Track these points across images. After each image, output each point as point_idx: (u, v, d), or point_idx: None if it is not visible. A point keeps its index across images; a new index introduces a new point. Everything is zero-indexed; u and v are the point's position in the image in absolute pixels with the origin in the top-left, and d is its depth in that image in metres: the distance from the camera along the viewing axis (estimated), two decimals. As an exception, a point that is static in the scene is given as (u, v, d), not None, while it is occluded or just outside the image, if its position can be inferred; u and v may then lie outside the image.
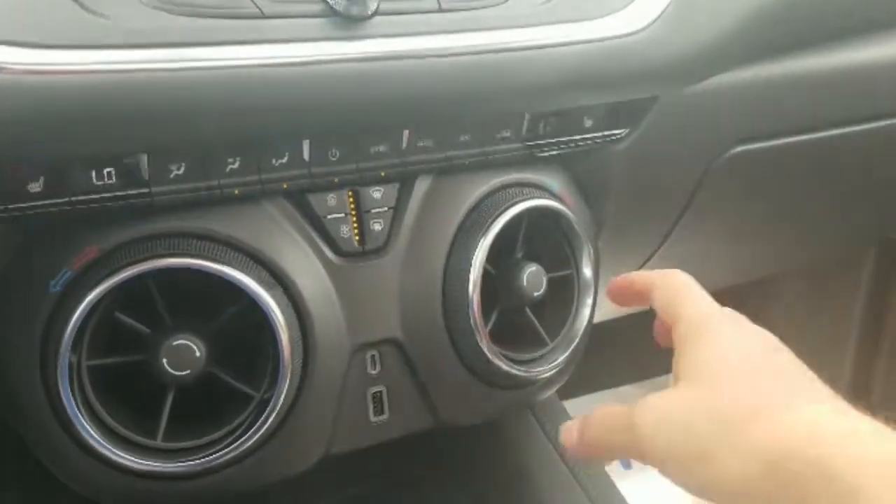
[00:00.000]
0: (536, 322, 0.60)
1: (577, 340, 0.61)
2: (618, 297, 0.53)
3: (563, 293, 0.62)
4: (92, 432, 0.48)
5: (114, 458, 0.48)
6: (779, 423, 0.40)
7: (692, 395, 0.43)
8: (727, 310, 0.47)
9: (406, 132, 0.53)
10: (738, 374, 0.43)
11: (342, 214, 0.54)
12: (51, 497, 0.55)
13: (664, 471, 0.44)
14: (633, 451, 0.44)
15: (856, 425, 0.39)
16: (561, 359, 0.60)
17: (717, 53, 0.62)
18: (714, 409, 0.41)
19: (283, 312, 0.50)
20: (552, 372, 0.60)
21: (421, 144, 0.55)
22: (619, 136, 0.62)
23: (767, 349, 0.44)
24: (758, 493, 0.40)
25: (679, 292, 0.49)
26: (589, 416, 0.48)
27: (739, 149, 0.71)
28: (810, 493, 0.38)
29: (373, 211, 0.55)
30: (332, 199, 0.54)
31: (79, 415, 0.47)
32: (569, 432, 0.48)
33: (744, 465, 0.40)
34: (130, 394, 0.52)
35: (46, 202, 0.45)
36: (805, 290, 1.23)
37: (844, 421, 0.39)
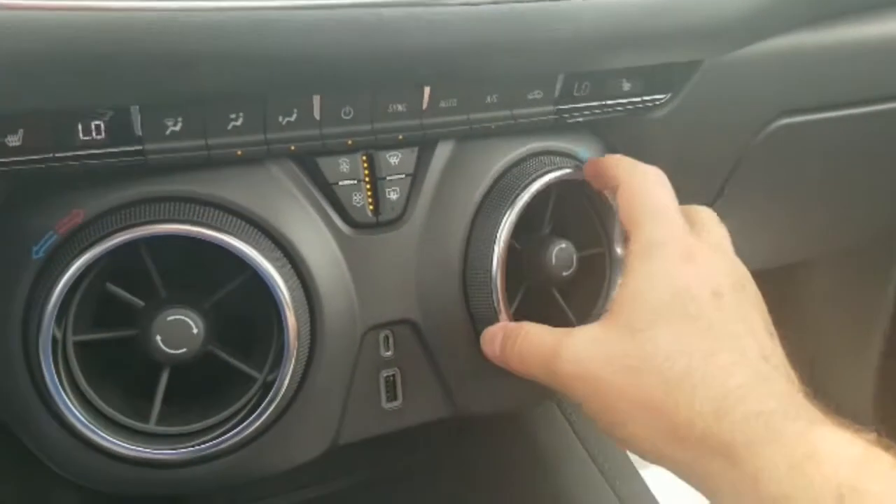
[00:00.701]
0: (564, 304, 0.55)
1: (608, 323, 0.56)
2: (591, 178, 0.52)
3: (593, 272, 0.57)
4: (77, 414, 0.44)
5: (102, 442, 0.44)
6: (689, 393, 0.39)
7: (614, 339, 0.42)
8: (690, 239, 0.45)
9: (427, 89, 0.49)
10: (665, 322, 0.42)
11: (355, 181, 0.50)
12: (46, 483, 0.51)
13: (584, 414, 0.44)
14: (552, 385, 0.45)
15: (765, 405, 0.38)
16: None
17: (767, 15, 0.57)
18: (629, 365, 0.41)
19: (288, 287, 0.46)
20: (580, 358, 0.55)
21: (443, 104, 0.50)
22: (658, 102, 0.57)
23: (713, 292, 0.43)
24: (668, 461, 0.41)
25: (643, 201, 0.47)
26: (515, 329, 0.48)
27: (783, 121, 0.66)
28: (712, 472, 0.39)
29: (388, 178, 0.50)
30: (344, 163, 0.49)
31: (63, 394, 0.43)
32: (491, 340, 0.49)
33: (651, 433, 0.40)
34: (123, 373, 0.48)
35: (26, 158, 0.41)
36: (837, 275, 1.19)
37: (755, 397, 0.39)
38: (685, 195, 0.68)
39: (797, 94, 0.66)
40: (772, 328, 0.45)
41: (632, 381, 0.41)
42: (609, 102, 0.55)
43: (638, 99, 0.56)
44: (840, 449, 0.36)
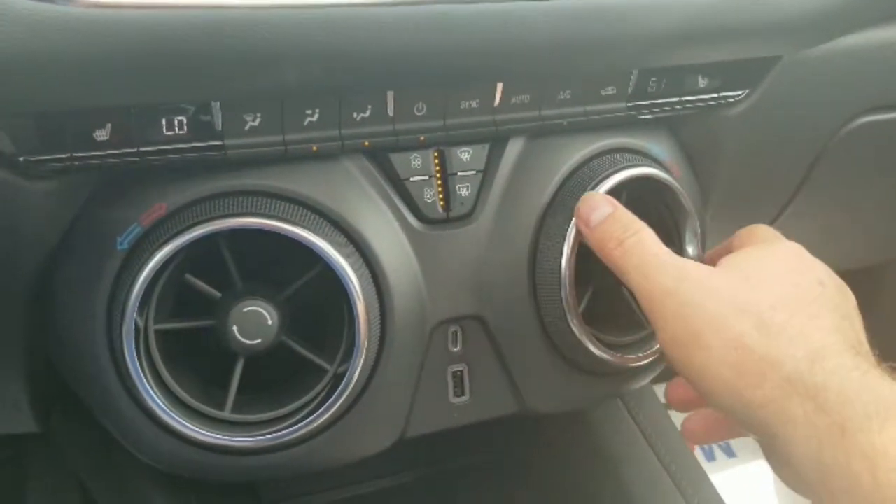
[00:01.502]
0: (634, 303, 0.54)
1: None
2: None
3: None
4: (157, 400, 0.45)
5: (180, 427, 0.46)
6: (786, 339, 0.40)
7: (724, 283, 0.43)
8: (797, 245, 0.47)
9: (500, 86, 0.49)
10: (777, 283, 0.43)
11: (426, 177, 0.50)
12: (125, 465, 0.53)
13: (656, 328, 0.44)
14: (638, 292, 0.45)
15: (859, 363, 0.39)
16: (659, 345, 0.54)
17: (850, 10, 0.55)
18: (734, 302, 0.42)
19: (360, 281, 0.46)
20: (648, 359, 0.55)
21: (515, 101, 0.50)
22: (735, 99, 0.55)
23: (819, 281, 0.44)
24: (743, 405, 0.40)
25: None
26: (630, 220, 0.47)
27: (866, 119, 0.64)
28: (794, 416, 0.38)
29: (459, 174, 0.50)
30: (416, 159, 0.49)
31: (144, 381, 0.45)
32: (592, 208, 0.48)
33: (734, 374, 0.40)
34: (198, 362, 0.49)
35: (113, 152, 0.42)
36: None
37: (850, 356, 0.39)
38: (762, 193, 0.66)
39: (881, 90, 0.64)
40: (864, 333, 0.44)
41: (729, 319, 0.41)
42: (683, 99, 0.54)
43: (714, 95, 0.55)
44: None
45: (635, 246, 0.46)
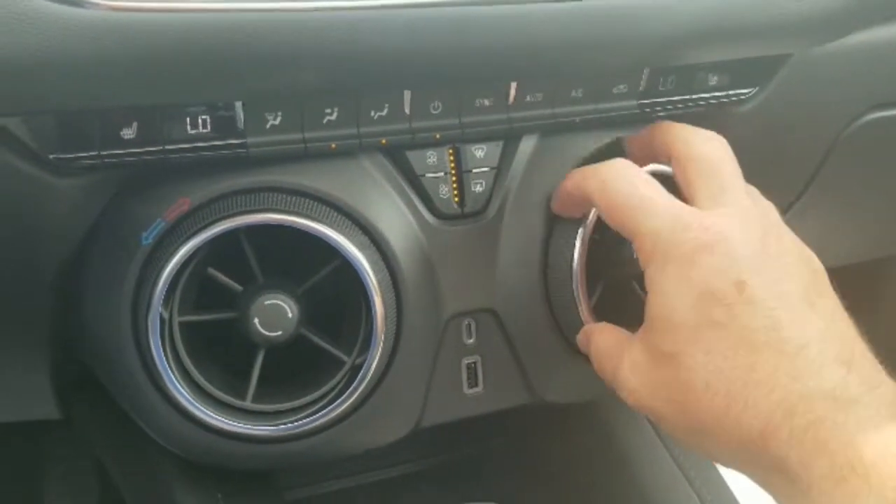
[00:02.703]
0: (644, 296, 0.55)
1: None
2: (562, 209, 0.50)
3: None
4: (182, 390, 0.46)
5: (203, 416, 0.47)
6: (736, 420, 0.38)
7: (653, 366, 0.41)
8: (697, 220, 0.41)
9: (514, 84, 0.50)
10: (694, 340, 0.39)
11: (442, 173, 0.51)
12: (149, 453, 0.54)
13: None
14: (617, 391, 0.45)
15: (812, 413, 0.37)
16: None
17: (860, 8, 0.56)
18: (673, 398, 0.40)
19: (377, 275, 0.48)
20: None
21: (529, 99, 0.51)
22: (745, 97, 0.56)
23: (736, 282, 0.39)
24: (741, 472, 0.40)
25: (627, 202, 0.43)
26: (596, 333, 0.47)
27: (874, 115, 0.65)
28: (775, 485, 0.38)
29: (474, 170, 0.52)
30: (431, 156, 0.51)
31: (169, 372, 0.46)
32: (584, 336, 0.49)
33: (716, 452, 0.40)
34: (219, 352, 0.51)
35: (140, 150, 0.43)
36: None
37: (801, 407, 0.37)
38: (770, 188, 0.67)
39: (889, 87, 0.64)
40: (821, 283, 0.42)
41: (680, 413, 0.40)
42: (694, 97, 0.55)
43: (724, 93, 0.56)
44: (888, 454, 0.35)
45: (598, 350, 0.47)
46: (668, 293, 0.40)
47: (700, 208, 0.42)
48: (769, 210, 0.45)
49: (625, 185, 0.43)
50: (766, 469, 0.38)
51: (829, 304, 0.41)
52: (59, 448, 0.89)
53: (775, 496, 0.39)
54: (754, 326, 0.39)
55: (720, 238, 0.40)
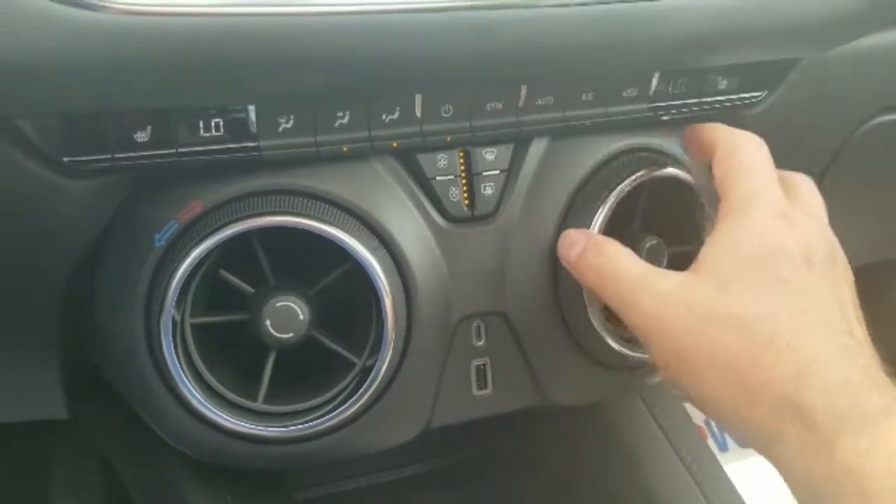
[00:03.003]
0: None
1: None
2: (688, 142, 0.51)
3: (683, 269, 0.57)
4: (193, 391, 0.47)
5: (214, 417, 0.47)
6: (773, 355, 0.39)
7: (701, 288, 0.41)
8: (786, 200, 0.44)
9: (525, 88, 0.50)
10: (754, 279, 0.41)
11: (452, 176, 0.51)
12: (160, 454, 0.54)
13: (647, 350, 0.44)
14: (621, 315, 0.45)
15: (850, 375, 0.38)
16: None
17: (870, 12, 0.56)
18: (712, 318, 0.40)
19: (387, 277, 0.48)
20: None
21: (540, 102, 0.51)
22: (754, 100, 0.56)
23: (805, 258, 0.42)
24: (738, 422, 0.40)
25: (740, 159, 0.46)
26: (602, 244, 0.47)
27: (883, 118, 0.65)
28: (786, 435, 0.38)
29: (484, 173, 0.52)
30: (442, 159, 0.51)
31: (181, 373, 0.46)
32: (571, 245, 0.48)
33: (724, 393, 0.40)
34: (230, 354, 0.51)
35: (153, 153, 0.44)
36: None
37: (839, 365, 0.38)
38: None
39: (896, 90, 0.65)
40: (858, 309, 0.43)
41: (712, 336, 0.40)
42: (704, 100, 0.55)
43: (734, 96, 0.56)
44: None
45: (606, 266, 0.46)
46: (741, 231, 0.42)
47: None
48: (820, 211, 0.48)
49: (752, 150, 0.46)
50: (782, 415, 0.38)
51: (858, 314, 0.44)
52: (64, 448, 0.89)
53: (779, 449, 0.39)
54: (810, 294, 0.41)
55: (801, 217, 0.44)
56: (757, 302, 0.40)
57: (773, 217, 0.43)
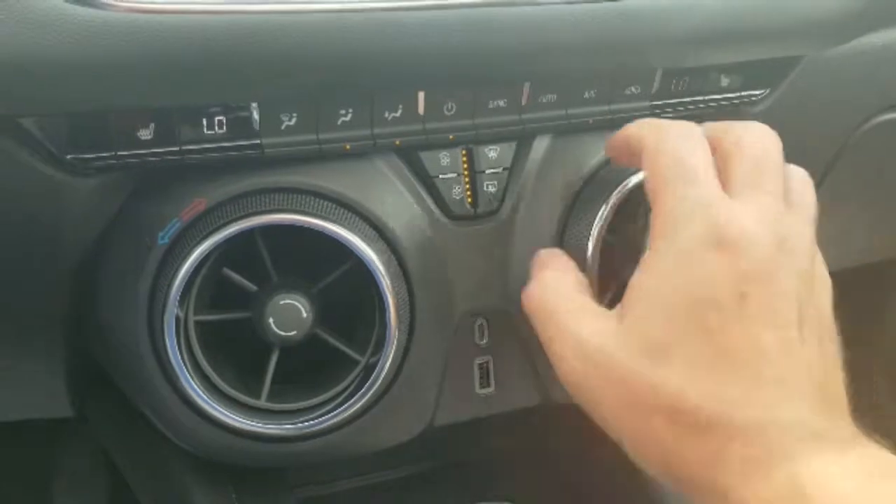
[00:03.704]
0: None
1: (699, 319, 0.56)
2: (613, 151, 0.47)
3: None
4: (197, 388, 0.47)
5: (218, 415, 0.47)
6: (694, 438, 0.35)
7: (622, 360, 0.37)
8: (726, 208, 0.37)
9: (527, 86, 0.50)
10: (680, 342, 0.36)
11: (455, 174, 0.51)
12: (164, 452, 0.54)
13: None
14: (544, 348, 0.42)
15: (767, 442, 0.34)
16: None
17: (873, 10, 0.56)
18: (639, 399, 0.37)
19: (390, 275, 0.48)
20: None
21: (542, 100, 0.51)
22: (756, 98, 0.56)
23: (740, 293, 0.36)
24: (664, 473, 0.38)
25: (666, 163, 0.39)
26: (544, 271, 0.45)
27: (886, 117, 0.65)
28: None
29: (487, 171, 0.52)
30: (444, 157, 0.51)
31: (185, 370, 0.46)
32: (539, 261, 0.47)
33: (658, 466, 0.38)
34: (233, 352, 0.51)
35: (156, 150, 0.44)
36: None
37: (759, 435, 0.35)
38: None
39: (900, 88, 0.65)
40: (821, 305, 0.39)
41: (630, 402, 0.37)
42: (706, 98, 0.55)
43: (735, 94, 0.56)
44: (830, 485, 0.33)
45: (536, 294, 0.44)
46: (665, 277, 0.38)
47: (732, 195, 0.39)
48: (802, 211, 0.42)
49: (680, 153, 0.40)
50: (702, 491, 0.36)
51: (819, 330, 0.39)
52: (69, 445, 0.89)
53: None
54: (740, 345, 0.36)
55: (736, 237, 0.37)
56: (682, 377, 0.36)
57: (706, 244, 0.37)
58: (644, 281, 0.39)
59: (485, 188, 0.52)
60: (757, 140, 0.42)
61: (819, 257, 0.42)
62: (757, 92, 0.56)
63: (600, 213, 0.52)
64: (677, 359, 0.37)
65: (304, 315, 0.47)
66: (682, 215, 0.38)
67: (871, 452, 0.35)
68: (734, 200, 0.39)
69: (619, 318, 0.39)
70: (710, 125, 0.44)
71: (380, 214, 0.49)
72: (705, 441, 0.36)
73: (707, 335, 0.36)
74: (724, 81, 0.55)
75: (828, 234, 0.66)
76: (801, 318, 0.38)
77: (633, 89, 0.53)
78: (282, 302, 0.46)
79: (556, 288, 0.43)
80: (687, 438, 0.36)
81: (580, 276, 0.45)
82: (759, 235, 0.38)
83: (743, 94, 0.56)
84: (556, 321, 0.41)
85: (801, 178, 0.44)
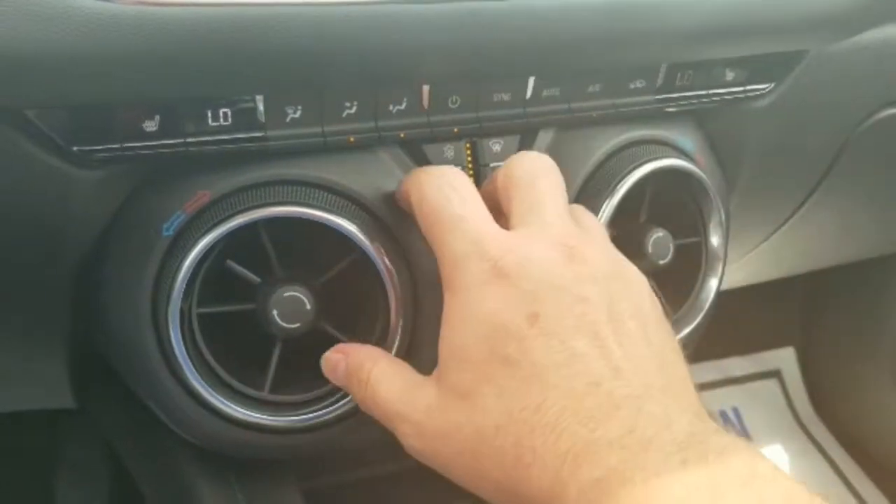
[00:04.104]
0: (659, 292, 0.56)
1: (702, 314, 0.56)
2: (404, 207, 0.46)
3: (689, 262, 0.57)
4: (201, 380, 0.47)
5: (221, 406, 0.48)
6: (526, 473, 0.34)
7: (447, 409, 0.37)
8: (497, 241, 0.37)
9: (532, 79, 0.50)
10: (487, 377, 0.36)
11: (459, 168, 0.51)
12: (168, 444, 0.55)
13: None
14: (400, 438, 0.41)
15: (604, 463, 0.32)
16: (684, 332, 0.56)
17: (879, 4, 0.56)
18: (467, 446, 0.36)
19: (394, 267, 0.48)
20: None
21: (546, 94, 0.51)
22: (761, 92, 0.56)
23: (529, 315, 0.35)
24: None
25: (435, 213, 0.40)
26: (366, 365, 0.43)
27: (890, 111, 0.65)
28: None
29: (491, 165, 0.52)
30: (449, 150, 0.51)
31: (188, 362, 0.46)
32: (333, 369, 0.45)
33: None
34: (237, 344, 0.51)
35: (162, 142, 0.44)
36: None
37: (591, 457, 0.33)
38: (785, 183, 0.67)
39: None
40: (634, 307, 0.38)
41: (474, 466, 0.37)
42: (710, 92, 0.55)
43: (740, 88, 0.56)
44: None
45: (367, 396, 0.43)
46: (460, 327, 0.37)
47: (512, 228, 0.40)
48: (589, 229, 0.42)
49: (440, 200, 0.40)
50: None
51: (637, 328, 0.37)
52: (71, 437, 0.89)
53: None
54: (546, 363, 0.35)
55: (516, 264, 0.37)
56: (496, 409, 0.35)
57: (487, 280, 0.37)
58: (444, 335, 0.39)
59: None
60: (529, 170, 0.42)
61: (625, 262, 0.42)
62: (762, 86, 0.56)
63: (604, 208, 0.52)
64: (490, 402, 0.35)
65: (308, 307, 0.47)
66: (458, 260, 0.38)
67: (719, 458, 0.31)
68: (515, 230, 0.39)
69: (437, 382, 0.39)
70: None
71: (383, 207, 0.49)
72: (538, 475, 0.34)
73: (511, 367, 0.35)
74: (729, 75, 0.55)
75: (831, 228, 0.67)
76: (612, 321, 0.36)
77: (637, 83, 0.53)
78: (285, 294, 0.46)
79: (378, 382, 0.42)
80: (523, 479, 0.34)
81: (391, 359, 0.45)
82: (540, 255, 0.37)
83: (748, 88, 0.56)
84: (392, 415, 0.41)
85: (581, 209, 0.45)
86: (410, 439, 0.40)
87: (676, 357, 0.39)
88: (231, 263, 0.47)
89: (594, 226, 0.44)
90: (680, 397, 0.36)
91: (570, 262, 0.38)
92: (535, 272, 0.37)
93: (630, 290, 0.39)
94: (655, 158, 0.53)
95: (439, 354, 0.39)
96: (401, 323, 0.49)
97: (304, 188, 0.47)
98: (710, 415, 0.36)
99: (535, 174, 0.42)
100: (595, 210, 0.52)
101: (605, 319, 0.36)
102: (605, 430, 0.33)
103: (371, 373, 0.42)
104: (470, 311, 0.37)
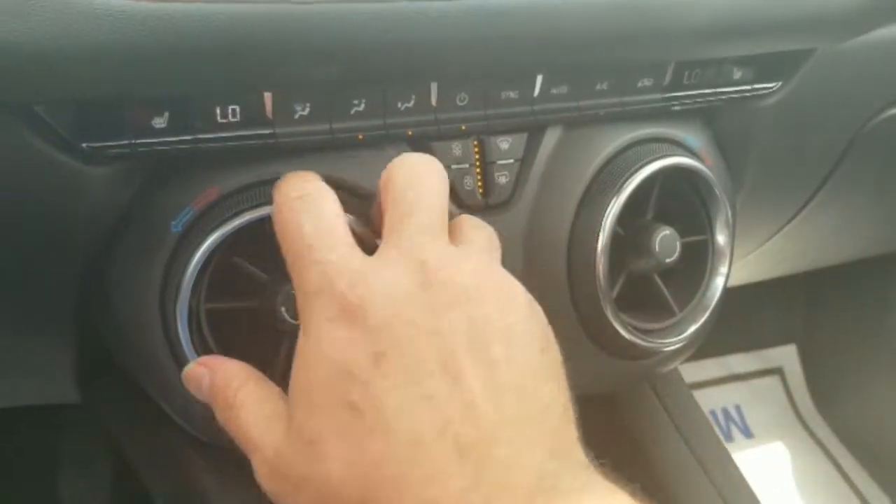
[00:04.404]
0: (665, 290, 0.56)
1: (708, 312, 0.57)
2: None
3: (695, 260, 0.57)
4: None
5: None
6: None
7: (293, 456, 0.34)
8: (350, 271, 0.33)
9: (540, 77, 0.50)
10: (333, 427, 0.33)
11: (466, 165, 0.51)
12: (176, 441, 0.55)
13: None
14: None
15: None
16: (690, 331, 0.56)
17: (888, 2, 0.56)
18: (314, 484, 0.33)
19: None
20: (679, 344, 0.56)
21: (554, 91, 0.51)
22: (769, 91, 0.57)
23: (373, 355, 0.32)
24: None
25: (291, 253, 0.36)
26: (224, 393, 0.39)
27: (894, 111, 0.65)
28: None
29: (499, 162, 0.52)
30: (456, 147, 0.51)
31: (197, 358, 0.46)
32: (196, 384, 0.41)
33: None
34: (244, 340, 0.51)
35: (171, 139, 0.44)
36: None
37: None
38: (791, 181, 0.67)
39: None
40: (499, 336, 0.34)
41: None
42: (718, 90, 0.55)
43: (748, 87, 0.56)
44: None
45: (230, 418, 0.39)
46: (307, 369, 0.35)
47: (381, 246, 0.36)
48: (471, 243, 0.38)
49: (291, 225, 0.37)
50: None
51: (502, 353, 0.34)
52: (74, 432, 0.90)
53: None
54: (391, 409, 0.32)
55: (361, 299, 0.33)
56: (342, 464, 0.32)
57: (334, 318, 0.33)
58: (294, 376, 0.36)
59: (496, 179, 0.52)
60: (406, 176, 0.38)
61: (504, 279, 0.37)
62: (769, 84, 0.56)
63: (611, 206, 0.52)
64: (334, 451, 0.33)
65: None
66: (309, 296, 0.35)
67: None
68: (378, 251, 0.36)
69: (288, 423, 0.35)
70: None
71: None
72: None
73: (355, 414, 0.32)
74: (737, 74, 0.55)
75: (837, 227, 0.67)
76: (473, 349, 0.33)
77: (645, 81, 0.53)
78: (293, 291, 0.46)
79: (241, 407, 0.39)
80: None
81: (261, 382, 0.40)
82: (388, 285, 0.34)
83: (755, 86, 0.56)
84: (251, 448, 0.37)
85: (468, 219, 0.41)
86: (261, 475, 0.36)
87: (542, 380, 0.35)
88: (239, 260, 0.47)
89: (478, 239, 0.39)
90: (536, 430, 0.33)
91: (425, 289, 0.34)
92: (381, 305, 0.33)
93: (502, 311, 0.35)
94: (663, 157, 0.53)
95: (290, 395, 0.36)
96: None
97: None
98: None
99: (411, 181, 0.37)
100: (602, 208, 0.52)
101: (465, 349, 0.33)
102: (443, 488, 0.30)
103: (238, 393, 0.38)
104: (318, 353, 0.34)
